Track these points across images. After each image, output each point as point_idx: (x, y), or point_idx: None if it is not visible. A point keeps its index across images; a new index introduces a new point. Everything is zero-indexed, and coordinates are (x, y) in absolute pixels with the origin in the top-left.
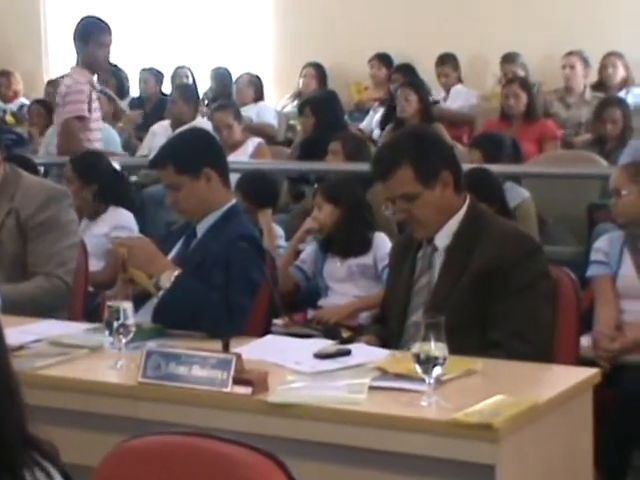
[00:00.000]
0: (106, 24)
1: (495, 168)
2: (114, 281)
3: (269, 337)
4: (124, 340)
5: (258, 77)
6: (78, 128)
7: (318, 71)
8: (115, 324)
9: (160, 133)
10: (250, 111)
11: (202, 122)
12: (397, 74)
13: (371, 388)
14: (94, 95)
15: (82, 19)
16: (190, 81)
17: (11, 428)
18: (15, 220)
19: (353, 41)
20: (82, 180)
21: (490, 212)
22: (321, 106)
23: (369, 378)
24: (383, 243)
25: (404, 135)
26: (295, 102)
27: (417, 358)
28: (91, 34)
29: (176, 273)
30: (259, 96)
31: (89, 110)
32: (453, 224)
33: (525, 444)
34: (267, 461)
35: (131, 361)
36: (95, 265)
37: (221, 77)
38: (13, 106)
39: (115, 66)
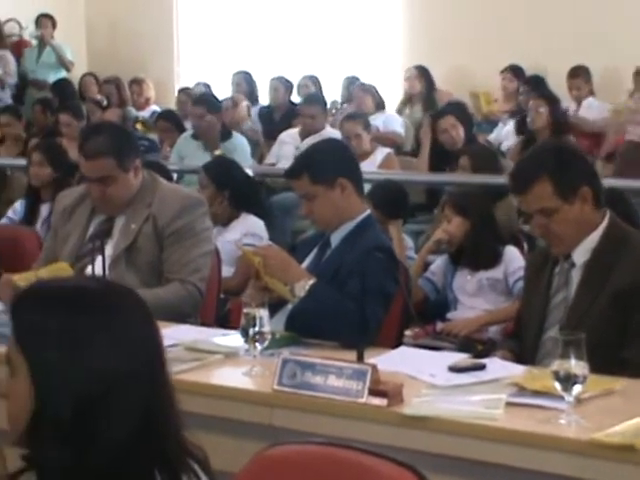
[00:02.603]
0: None
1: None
2: (244, 287)
3: (403, 348)
4: (259, 347)
5: (373, 86)
6: None
7: (421, 72)
8: (251, 331)
9: (288, 142)
10: (377, 120)
11: (331, 132)
12: (527, 86)
13: (507, 404)
14: None
15: None
16: (312, 90)
17: (171, 434)
18: (152, 227)
19: (483, 51)
20: (216, 185)
21: (631, 229)
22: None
23: (505, 394)
24: (514, 257)
25: (544, 149)
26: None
27: (557, 375)
28: None
29: (311, 282)
30: (379, 104)
31: None
32: (592, 240)
33: None
34: (410, 474)
35: (266, 368)
36: (226, 271)
37: (350, 86)
38: (145, 113)
39: (247, 74)
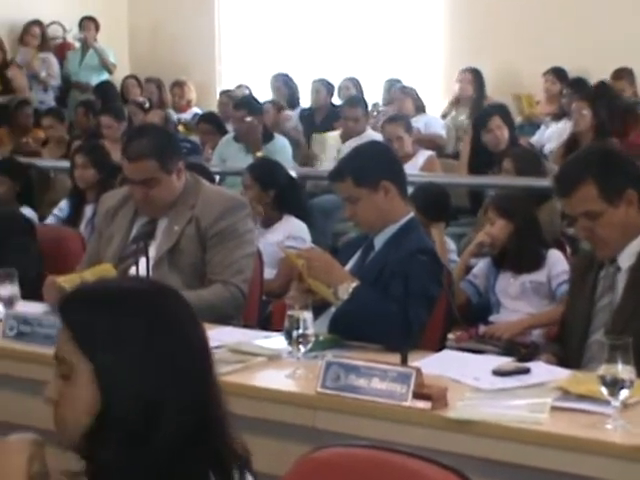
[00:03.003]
0: None
1: None
2: (286, 290)
3: (446, 352)
4: (303, 349)
5: (412, 88)
6: None
7: (475, 76)
8: (294, 333)
9: (330, 144)
10: (418, 122)
11: (372, 134)
12: (570, 88)
13: (552, 408)
14: None
15: None
16: (353, 92)
17: (223, 435)
18: (195, 228)
19: (526, 53)
20: (260, 186)
21: None
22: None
23: (550, 398)
24: (558, 260)
25: (589, 152)
26: (455, 110)
27: (603, 380)
28: None
29: (354, 284)
30: (419, 106)
31: None
32: (637, 244)
33: None
34: (455, 478)
35: (309, 371)
36: (268, 273)
37: (392, 88)
38: (186, 115)
39: (287, 76)
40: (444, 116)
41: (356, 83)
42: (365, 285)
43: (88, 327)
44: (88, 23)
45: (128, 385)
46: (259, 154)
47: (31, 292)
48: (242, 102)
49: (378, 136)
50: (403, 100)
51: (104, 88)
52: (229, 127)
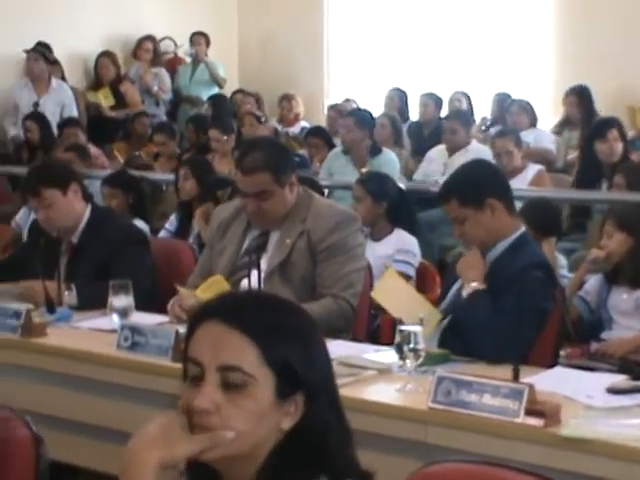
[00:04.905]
0: None
1: None
2: None
3: (558, 369)
4: (413, 364)
5: (528, 103)
6: None
7: (580, 97)
8: (405, 348)
9: (436, 159)
10: (528, 136)
11: (478, 147)
12: None
13: None
14: None
15: None
16: (464, 106)
17: (338, 448)
18: (306, 242)
19: (637, 66)
20: (373, 198)
21: None
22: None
23: None
24: None
25: None
26: (567, 130)
27: None
28: None
29: (479, 286)
30: (533, 121)
31: None
32: None
33: None
34: None
35: (419, 385)
36: None
37: (501, 102)
38: (294, 129)
39: (400, 91)
40: (556, 133)
41: (466, 97)
42: (485, 293)
43: (274, 333)
44: (199, 38)
45: (317, 365)
46: (364, 170)
47: (145, 303)
48: (351, 112)
49: (484, 149)
50: (519, 115)
51: (217, 101)
52: (337, 141)
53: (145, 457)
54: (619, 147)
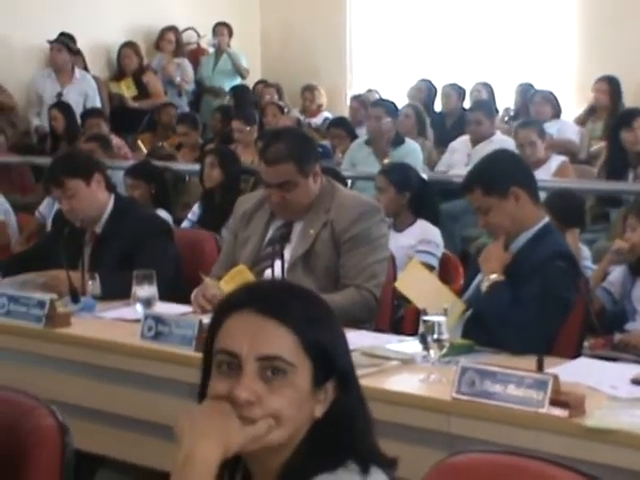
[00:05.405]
0: None
1: None
2: None
3: (582, 359)
4: (437, 354)
5: (552, 93)
6: None
7: (611, 85)
8: (429, 338)
9: (459, 149)
10: (551, 128)
11: (502, 138)
12: None
13: None
14: None
15: None
16: (484, 96)
17: (364, 435)
18: (330, 233)
19: None
20: (396, 188)
21: None
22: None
23: None
24: None
25: None
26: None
27: None
28: None
29: (498, 278)
30: (557, 112)
31: None
32: None
33: None
34: None
35: (443, 375)
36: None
37: (524, 93)
38: (317, 120)
39: (428, 82)
40: (580, 123)
41: (488, 87)
42: (506, 284)
43: (308, 320)
44: (221, 29)
45: (344, 352)
46: (386, 161)
47: (169, 293)
48: (379, 102)
49: (508, 140)
50: (542, 106)
51: (239, 92)
52: (359, 132)
53: (204, 452)
54: None
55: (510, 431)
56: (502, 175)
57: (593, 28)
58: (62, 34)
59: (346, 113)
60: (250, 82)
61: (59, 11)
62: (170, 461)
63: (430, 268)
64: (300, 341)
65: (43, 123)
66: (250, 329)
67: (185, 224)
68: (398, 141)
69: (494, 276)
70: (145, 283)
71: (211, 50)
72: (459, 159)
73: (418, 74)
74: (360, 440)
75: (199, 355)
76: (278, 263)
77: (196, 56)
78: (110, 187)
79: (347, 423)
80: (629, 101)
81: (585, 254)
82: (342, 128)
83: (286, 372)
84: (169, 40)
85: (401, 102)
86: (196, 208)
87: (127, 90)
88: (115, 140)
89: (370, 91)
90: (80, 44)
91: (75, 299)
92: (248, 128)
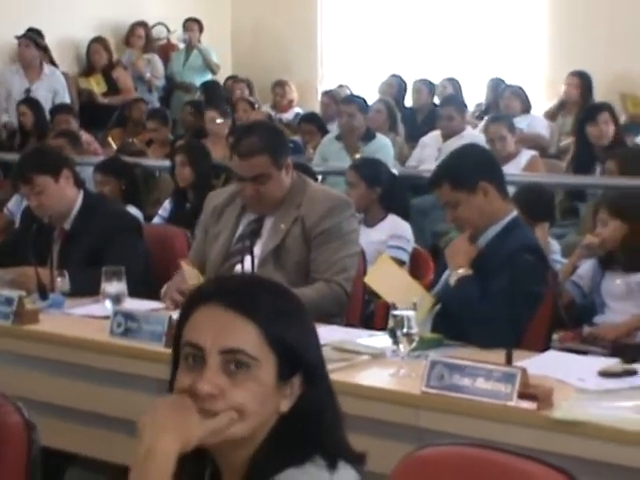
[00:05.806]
0: None
1: None
2: None
3: (551, 352)
4: (406, 348)
5: (521, 88)
6: None
7: (582, 80)
8: (399, 332)
9: (430, 144)
10: (521, 122)
11: (472, 133)
12: None
13: None
14: None
15: None
16: (450, 92)
17: (331, 429)
18: (301, 228)
19: (632, 52)
20: (367, 184)
21: None
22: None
23: None
24: None
25: None
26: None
27: None
28: None
29: (465, 273)
30: (526, 107)
31: None
32: None
33: None
34: (564, 479)
35: (412, 370)
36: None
37: (495, 88)
38: (288, 115)
39: (398, 77)
40: (551, 118)
41: (454, 83)
42: (473, 279)
43: (273, 315)
44: (192, 24)
45: (313, 346)
46: (357, 156)
47: (138, 289)
48: (351, 98)
49: (478, 135)
50: (511, 100)
51: (210, 87)
52: (330, 127)
53: (164, 445)
54: (609, 130)
55: (479, 424)
56: (470, 170)
57: (564, 23)
58: (30, 29)
59: (317, 108)
60: (221, 78)
61: (27, 6)
62: None
63: (401, 263)
64: (265, 335)
65: (12, 119)
66: (216, 322)
67: (156, 220)
68: (369, 136)
69: (461, 270)
70: (114, 279)
71: (181, 46)
72: (430, 154)
73: (389, 69)
74: (328, 435)
75: (169, 351)
76: (248, 259)
77: (166, 52)
78: (79, 183)
79: (314, 418)
80: (599, 97)
81: (555, 248)
82: (313, 123)
83: (249, 366)
84: (139, 35)
85: (372, 97)
86: (167, 204)
87: (97, 86)
88: (85, 136)
89: (341, 86)
90: (49, 39)
91: (43, 296)
92: (222, 120)
